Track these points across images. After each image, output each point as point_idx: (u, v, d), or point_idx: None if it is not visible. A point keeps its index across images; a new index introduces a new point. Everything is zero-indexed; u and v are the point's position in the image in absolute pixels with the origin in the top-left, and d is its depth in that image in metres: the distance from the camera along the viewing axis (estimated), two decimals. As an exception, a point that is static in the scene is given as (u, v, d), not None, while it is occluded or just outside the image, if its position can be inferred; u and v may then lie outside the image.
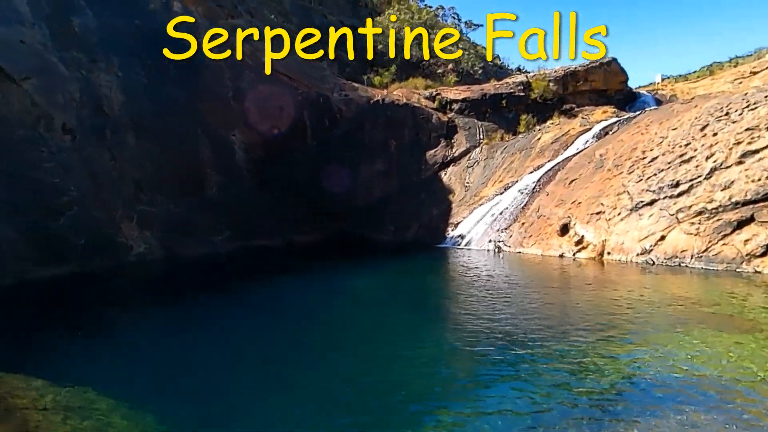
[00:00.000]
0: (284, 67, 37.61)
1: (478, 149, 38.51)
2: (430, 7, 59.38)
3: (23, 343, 13.03)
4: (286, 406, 9.29)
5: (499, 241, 29.55)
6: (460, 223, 33.25)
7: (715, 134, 24.71)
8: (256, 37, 37.38)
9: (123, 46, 28.65)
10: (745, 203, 21.42)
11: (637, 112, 35.52)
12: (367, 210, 36.61)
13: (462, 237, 31.99)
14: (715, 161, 23.55)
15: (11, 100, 22.93)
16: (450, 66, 48.68)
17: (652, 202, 24.37)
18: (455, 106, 40.47)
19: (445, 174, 38.11)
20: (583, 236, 25.93)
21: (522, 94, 40.84)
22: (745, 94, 26.54)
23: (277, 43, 39.16)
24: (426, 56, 42.87)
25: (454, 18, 61.94)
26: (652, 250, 23.01)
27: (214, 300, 18.20)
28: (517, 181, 33.46)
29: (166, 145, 28.80)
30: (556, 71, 42.19)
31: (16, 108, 22.98)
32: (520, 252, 27.85)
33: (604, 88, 42.46)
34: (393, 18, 48.98)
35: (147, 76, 29.48)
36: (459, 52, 47.47)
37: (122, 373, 11.03)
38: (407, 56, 46.39)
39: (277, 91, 36.15)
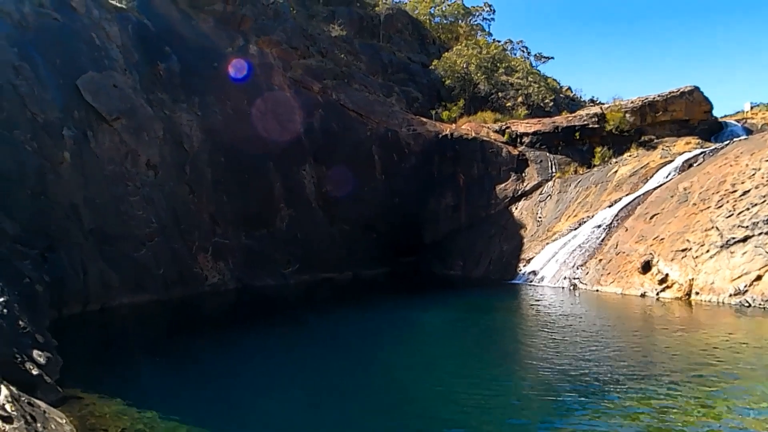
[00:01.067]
0: (354, 104, 38.60)
1: (550, 183, 37.35)
2: (498, 41, 59.45)
3: (106, 364, 13.65)
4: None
5: (575, 279, 28.14)
6: (532, 259, 32.06)
7: (817, 165, 22.57)
8: (326, 76, 38.77)
9: (202, 87, 30.44)
10: None
11: (725, 143, 33.20)
12: (435, 244, 36.18)
13: (535, 273, 30.76)
14: (819, 194, 21.43)
15: (103, 139, 24.68)
16: (519, 99, 48.08)
17: (745, 239, 22.41)
18: (526, 140, 39.67)
19: (516, 208, 37.13)
20: (667, 274, 24.17)
21: (596, 126, 39.44)
22: None
23: (346, 81, 40.44)
24: (493, 90, 42.67)
25: (523, 51, 61.60)
26: (747, 290, 21.00)
27: (283, 329, 18.39)
28: (592, 216, 31.98)
29: (240, 180, 29.94)
30: (632, 102, 40.53)
31: (107, 146, 24.68)
32: (597, 290, 26.33)
33: (686, 118, 40.21)
34: (462, 53, 49.18)
35: (223, 115, 31.03)
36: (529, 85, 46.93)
37: (196, 397, 11.38)
38: (475, 90, 46.49)
39: (346, 128, 37.01)
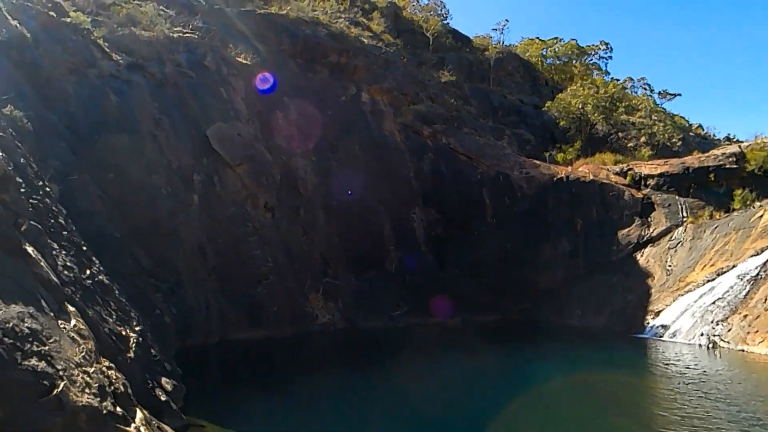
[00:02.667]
0: (464, 147, 38.34)
1: (681, 228, 33.96)
2: (617, 79, 56.72)
3: (225, 395, 14.15)
4: None
5: (714, 336, 24.85)
6: (661, 311, 28.95)
7: None
8: (436, 120, 39.08)
9: (317, 134, 31.89)
10: None
11: None
12: (550, 292, 34.04)
13: (665, 327, 27.67)
14: None
15: (227, 183, 26.48)
16: (642, 139, 45.00)
17: None
18: (651, 182, 36.71)
19: (642, 255, 34.08)
20: (836, 336, 20.52)
21: (734, 166, 35.63)
22: None
23: (456, 125, 40.45)
24: (613, 130, 40.23)
25: (645, 89, 58.15)
26: None
27: (392, 372, 18.03)
28: (734, 266, 28.35)
29: (351, 222, 30.53)
30: (777, 139, 36.31)
31: (230, 189, 26.43)
32: (742, 350, 22.97)
33: None
34: (578, 93, 47.30)
35: (336, 160, 32.15)
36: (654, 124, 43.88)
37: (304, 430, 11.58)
38: (592, 131, 44.34)
39: (456, 171, 36.73)
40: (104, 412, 7.04)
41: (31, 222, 9.20)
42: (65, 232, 11.31)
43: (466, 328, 29.67)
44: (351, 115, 34.34)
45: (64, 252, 10.37)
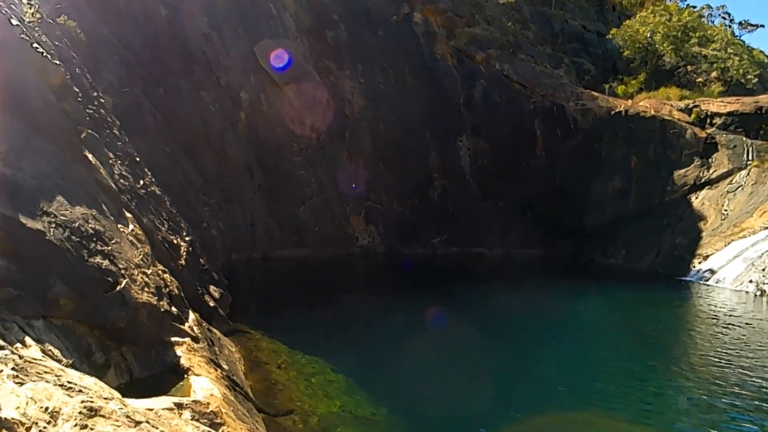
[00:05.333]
0: (518, 75, 36.68)
1: (744, 172, 32.11)
2: (693, 7, 52.07)
3: (268, 306, 14.93)
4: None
5: (765, 284, 24.09)
6: (711, 255, 28.09)
7: None
8: (491, 45, 37.27)
9: (367, 55, 31.04)
10: None
11: None
12: (597, 230, 33.35)
13: (712, 272, 26.95)
14: None
15: (275, 103, 26.46)
16: (714, 74, 41.82)
17: None
18: (718, 121, 34.45)
19: (697, 198, 32.66)
20: None
21: (813, 108, 32.92)
22: None
23: (512, 51, 38.52)
24: (682, 63, 37.44)
25: (724, 18, 53.34)
26: None
27: (431, 297, 18.43)
28: (796, 214, 26.94)
29: (396, 148, 30.25)
30: None
31: (277, 110, 26.44)
32: (793, 300, 22.25)
33: None
34: (647, 21, 43.78)
35: (386, 83, 31.42)
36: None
37: (343, 347, 12.10)
38: (659, 63, 41.41)
39: (509, 100, 35.40)
40: (162, 310, 7.58)
41: (90, 131, 9.53)
42: (119, 143, 11.68)
43: (508, 261, 29.72)
44: (402, 37, 33.13)
45: (119, 162, 10.77)
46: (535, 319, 17.11)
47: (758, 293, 23.82)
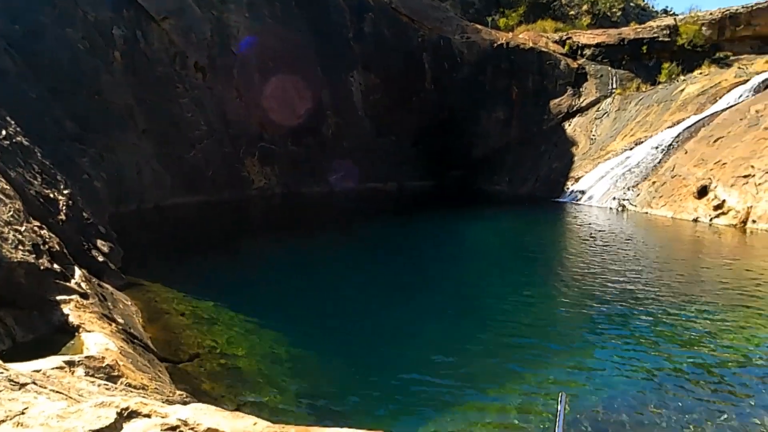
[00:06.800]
0: (407, 8, 36.68)
1: (609, 99, 35.32)
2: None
3: (162, 256, 14.64)
4: (375, 334, 9.58)
5: (624, 200, 27.27)
6: (581, 177, 31.11)
7: None
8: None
9: (252, -14, 29.46)
10: None
11: (812, 61, 30.19)
12: (484, 160, 35.47)
13: (582, 192, 29.97)
14: None
15: (151, 39, 24.67)
16: (585, 7, 44.53)
17: (818, 167, 20.89)
18: (587, 52, 37.15)
19: (570, 125, 35.58)
20: (724, 200, 23.05)
21: (667, 39, 36.37)
22: None
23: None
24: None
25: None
26: (811, 221, 19.89)
27: (330, 234, 19.07)
28: (651, 136, 30.32)
29: (287, 85, 29.59)
30: (711, 13, 36.86)
31: (156, 47, 24.71)
32: (646, 213, 25.52)
33: (772, 33, 36.47)
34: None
35: (272, 17, 30.20)
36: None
37: (245, 289, 12.26)
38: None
39: (398, 34, 35.49)
40: (42, 268, 7.35)
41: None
42: (-27, 91, 10.65)
43: (403, 194, 30.94)
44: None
45: (-25, 112, 9.89)
46: (428, 245, 18.33)
47: (619, 208, 26.96)
